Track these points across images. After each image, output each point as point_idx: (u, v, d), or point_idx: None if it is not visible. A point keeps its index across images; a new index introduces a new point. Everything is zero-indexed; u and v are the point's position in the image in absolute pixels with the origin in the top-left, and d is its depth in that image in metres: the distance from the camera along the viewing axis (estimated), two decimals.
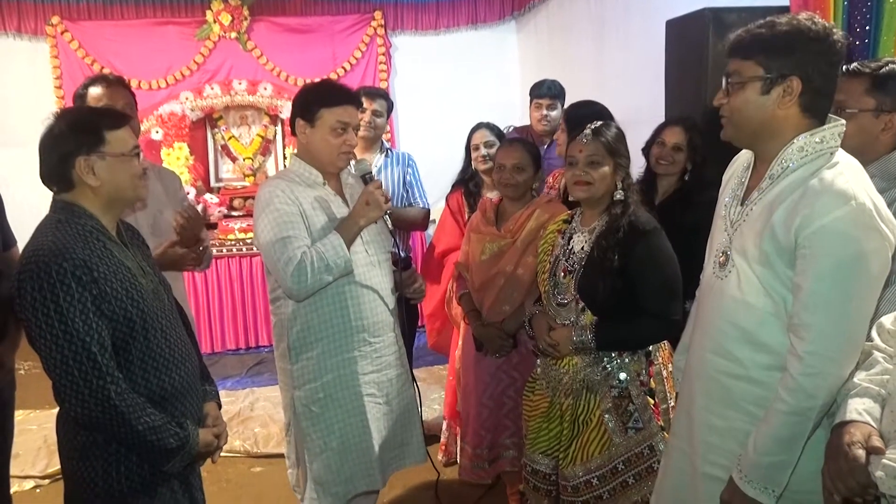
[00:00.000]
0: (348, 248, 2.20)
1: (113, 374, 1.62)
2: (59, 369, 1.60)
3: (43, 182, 1.74)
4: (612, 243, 2.07)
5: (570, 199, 2.35)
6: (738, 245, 1.58)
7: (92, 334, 1.60)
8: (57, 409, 1.73)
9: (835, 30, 1.48)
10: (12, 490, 2.58)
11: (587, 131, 2.17)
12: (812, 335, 1.44)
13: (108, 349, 1.63)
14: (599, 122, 2.20)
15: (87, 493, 1.71)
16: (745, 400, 1.59)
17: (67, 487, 1.78)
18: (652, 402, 2.13)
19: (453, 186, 3.38)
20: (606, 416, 2.11)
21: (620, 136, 2.19)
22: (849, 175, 1.47)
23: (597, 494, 2.11)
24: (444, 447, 3.38)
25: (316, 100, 2.27)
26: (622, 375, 2.12)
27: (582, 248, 2.17)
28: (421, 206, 3.54)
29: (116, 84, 2.52)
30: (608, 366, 2.12)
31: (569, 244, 2.22)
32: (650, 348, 2.17)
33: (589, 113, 2.69)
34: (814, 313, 1.44)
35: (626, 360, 2.13)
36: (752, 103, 1.52)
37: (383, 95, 3.52)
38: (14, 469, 2.66)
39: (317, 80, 2.86)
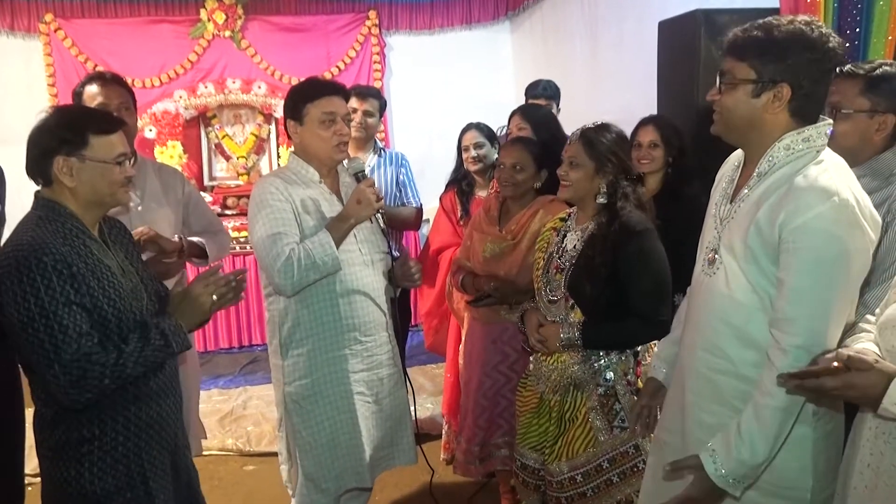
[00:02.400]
0: (338, 247, 2.21)
1: (97, 358, 1.61)
2: (43, 363, 1.60)
3: (27, 173, 1.74)
4: (600, 248, 2.08)
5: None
6: (726, 242, 1.60)
7: (74, 326, 1.60)
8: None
9: (832, 36, 1.49)
10: None
11: (576, 132, 2.18)
12: (798, 329, 1.46)
13: (92, 336, 1.63)
14: (594, 124, 2.18)
15: (61, 493, 1.71)
16: (733, 396, 1.60)
17: (43, 486, 1.78)
18: None
19: (447, 186, 3.40)
20: (592, 414, 2.12)
21: (617, 140, 2.17)
22: (833, 172, 1.49)
23: (580, 491, 2.13)
24: (446, 445, 3.38)
25: (300, 98, 2.29)
26: (609, 374, 2.13)
27: (574, 247, 2.18)
28: (414, 205, 3.54)
29: (112, 82, 2.51)
30: (596, 364, 2.14)
31: (563, 242, 2.23)
32: (639, 348, 2.18)
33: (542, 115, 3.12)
34: (797, 308, 1.46)
35: (614, 359, 2.14)
36: (743, 104, 1.54)
37: (375, 95, 3.51)
38: None
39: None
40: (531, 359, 2.34)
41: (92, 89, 2.46)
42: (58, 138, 1.68)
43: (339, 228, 2.24)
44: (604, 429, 2.11)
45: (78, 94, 2.48)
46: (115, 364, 1.62)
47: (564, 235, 2.25)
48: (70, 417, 1.69)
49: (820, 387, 1.34)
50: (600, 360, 2.14)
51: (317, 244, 2.18)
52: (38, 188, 1.76)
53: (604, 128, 2.18)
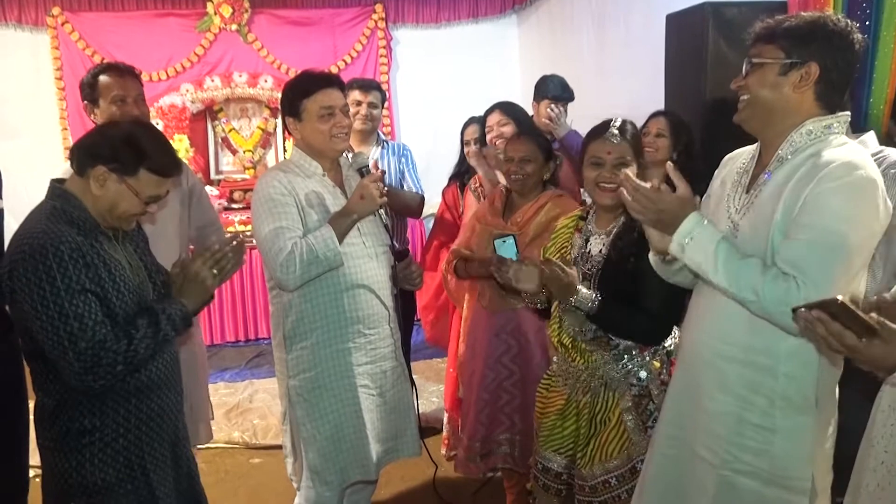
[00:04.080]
0: (340, 241, 2.21)
1: (111, 346, 1.63)
2: (58, 349, 1.61)
3: (71, 150, 1.76)
4: (628, 242, 2.03)
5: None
6: (744, 229, 1.59)
7: (89, 314, 1.61)
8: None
9: (856, 29, 1.52)
10: None
11: (614, 130, 2.06)
12: (805, 273, 1.44)
13: (106, 324, 1.64)
14: (621, 119, 2.10)
15: (62, 484, 1.72)
16: (737, 383, 1.60)
17: (44, 477, 1.78)
18: None
19: (449, 180, 3.39)
20: (626, 415, 2.05)
21: (638, 133, 2.15)
22: (856, 150, 1.52)
23: (615, 494, 2.06)
24: (446, 440, 3.38)
25: (296, 94, 2.28)
26: (643, 374, 2.06)
27: (600, 252, 2.11)
28: (414, 192, 3.53)
29: (128, 74, 2.50)
30: (629, 364, 2.07)
31: (586, 246, 2.16)
32: (671, 347, 2.10)
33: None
34: (805, 256, 1.45)
35: (647, 358, 2.07)
36: (770, 82, 1.56)
37: (376, 87, 3.50)
38: None
39: None
40: (554, 359, 2.28)
41: (108, 80, 2.44)
42: (114, 152, 1.69)
43: (341, 223, 2.23)
44: (638, 429, 2.05)
45: (90, 84, 2.46)
46: (127, 350, 1.65)
47: (587, 239, 2.17)
48: (71, 408, 1.70)
49: (839, 335, 1.23)
50: (633, 360, 2.07)
51: (319, 239, 2.18)
52: (54, 177, 1.77)
53: (629, 122, 2.13)
